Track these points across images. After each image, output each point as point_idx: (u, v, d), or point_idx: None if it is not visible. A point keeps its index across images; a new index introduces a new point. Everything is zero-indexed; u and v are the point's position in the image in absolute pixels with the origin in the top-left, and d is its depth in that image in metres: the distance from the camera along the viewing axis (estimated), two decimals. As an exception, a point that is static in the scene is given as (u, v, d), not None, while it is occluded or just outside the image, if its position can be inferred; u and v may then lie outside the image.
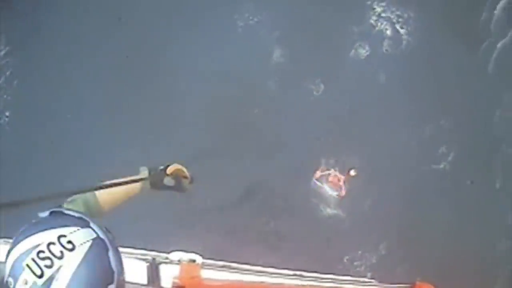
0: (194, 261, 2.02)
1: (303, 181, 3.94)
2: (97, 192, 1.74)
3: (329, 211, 3.92)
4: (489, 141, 4.01)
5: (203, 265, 2.02)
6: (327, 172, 3.93)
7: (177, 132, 3.92)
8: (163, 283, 2.00)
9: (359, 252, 3.80)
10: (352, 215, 3.89)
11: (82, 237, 1.15)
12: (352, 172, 3.92)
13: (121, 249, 2.10)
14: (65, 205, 1.62)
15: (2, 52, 4.15)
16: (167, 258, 2.03)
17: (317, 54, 4.16)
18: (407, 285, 2.24)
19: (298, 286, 2.01)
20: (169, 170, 1.91)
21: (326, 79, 4.10)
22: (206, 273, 2.01)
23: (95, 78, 4.04)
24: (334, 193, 3.90)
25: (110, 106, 3.97)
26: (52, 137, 3.95)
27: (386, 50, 4.20)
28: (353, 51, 4.17)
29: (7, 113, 4.02)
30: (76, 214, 1.21)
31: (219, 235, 3.68)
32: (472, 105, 4.08)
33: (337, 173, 3.91)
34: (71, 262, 1.11)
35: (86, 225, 1.19)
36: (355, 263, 3.80)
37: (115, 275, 1.18)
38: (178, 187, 1.94)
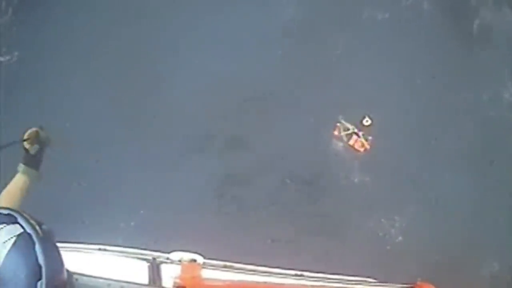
0: (195, 261, 2.01)
1: (324, 144, 3.90)
2: None
3: (352, 175, 3.84)
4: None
5: (204, 265, 2.01)
6: (346, 132, 3.84)
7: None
8: (164, 283, 1.99)
9: (387, 215, 3.77)
10: (377, 179, 3.84)
11: (6, 234, 1.12)
12: (365, 122, 3.82)
13: (121, 249, 2.12)
14: None
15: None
16: (168, 258, 2.02)
17: (335, 12, 4.12)
18: (408, 285, 2.23)
19: (300, 286, 2.00)
20: (26, 143, 1.88)
21: (345, 38, 4.05)
22: (207, 273, 2.00)
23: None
24: (360, 149, 3.81)
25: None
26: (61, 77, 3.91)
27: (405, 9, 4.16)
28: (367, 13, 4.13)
29: (16, 52, 3.99)
30: (5, 212, 1.17)
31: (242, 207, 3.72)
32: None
33: (355, 130, 3.82)
34: None
35: (13, 221, 1.15)
36: (384, 226, 3.77)
37: (43, 270, 1.12)
38: (44, 144, 1.92)
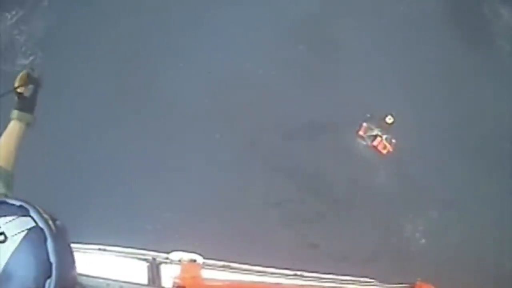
0: (194, 261, 2.02)
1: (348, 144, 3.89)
2: None
3: (376, 174, 3.84)
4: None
5: (203, 265, 2.02)
6: (370, 133, 3.82)
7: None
8: (163, 283, 2.00)
9: (410, 217, 3.74)
10: (399, 181, 3.83)
11: (16, 227, 1.05)
12: (388, 119, 3.77)
13: (121, 249, 2.12)
14: None
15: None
16: (167, 258, 2.03)
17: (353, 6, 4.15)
18: (407, 285, 2.24)
19: (298, 286, 2.01)
20: (20, 89, 1.81)
21: (364, 34, 4.07)
22: (207, 273, 2.00)
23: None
24: (383, 151, 3.78)
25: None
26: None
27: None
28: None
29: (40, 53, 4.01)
30: (17, 203, 1.11)
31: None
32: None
33: (379, 133, 3.79)
34: (1, 255, 1.02)
35: (25, 213, 1.09)
36: (407, 229, 3.74)
37: (54, 268, 1.06)
38: (37, 82, 1.88)
